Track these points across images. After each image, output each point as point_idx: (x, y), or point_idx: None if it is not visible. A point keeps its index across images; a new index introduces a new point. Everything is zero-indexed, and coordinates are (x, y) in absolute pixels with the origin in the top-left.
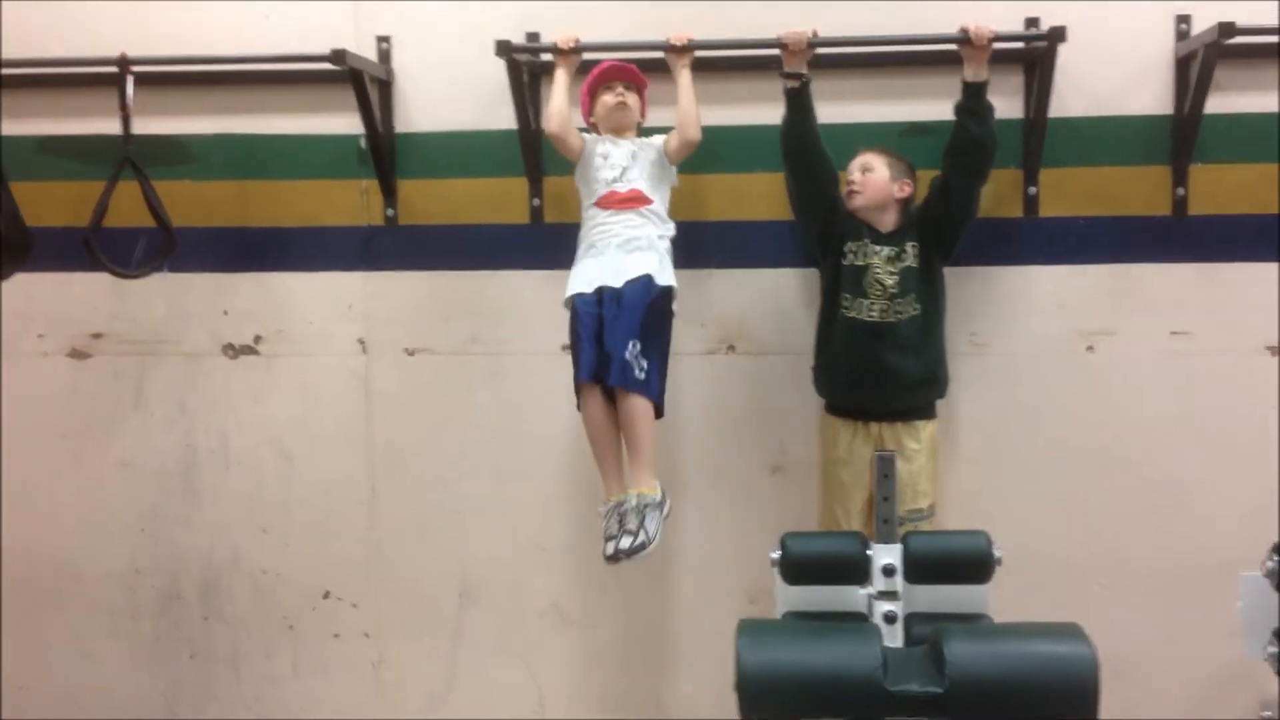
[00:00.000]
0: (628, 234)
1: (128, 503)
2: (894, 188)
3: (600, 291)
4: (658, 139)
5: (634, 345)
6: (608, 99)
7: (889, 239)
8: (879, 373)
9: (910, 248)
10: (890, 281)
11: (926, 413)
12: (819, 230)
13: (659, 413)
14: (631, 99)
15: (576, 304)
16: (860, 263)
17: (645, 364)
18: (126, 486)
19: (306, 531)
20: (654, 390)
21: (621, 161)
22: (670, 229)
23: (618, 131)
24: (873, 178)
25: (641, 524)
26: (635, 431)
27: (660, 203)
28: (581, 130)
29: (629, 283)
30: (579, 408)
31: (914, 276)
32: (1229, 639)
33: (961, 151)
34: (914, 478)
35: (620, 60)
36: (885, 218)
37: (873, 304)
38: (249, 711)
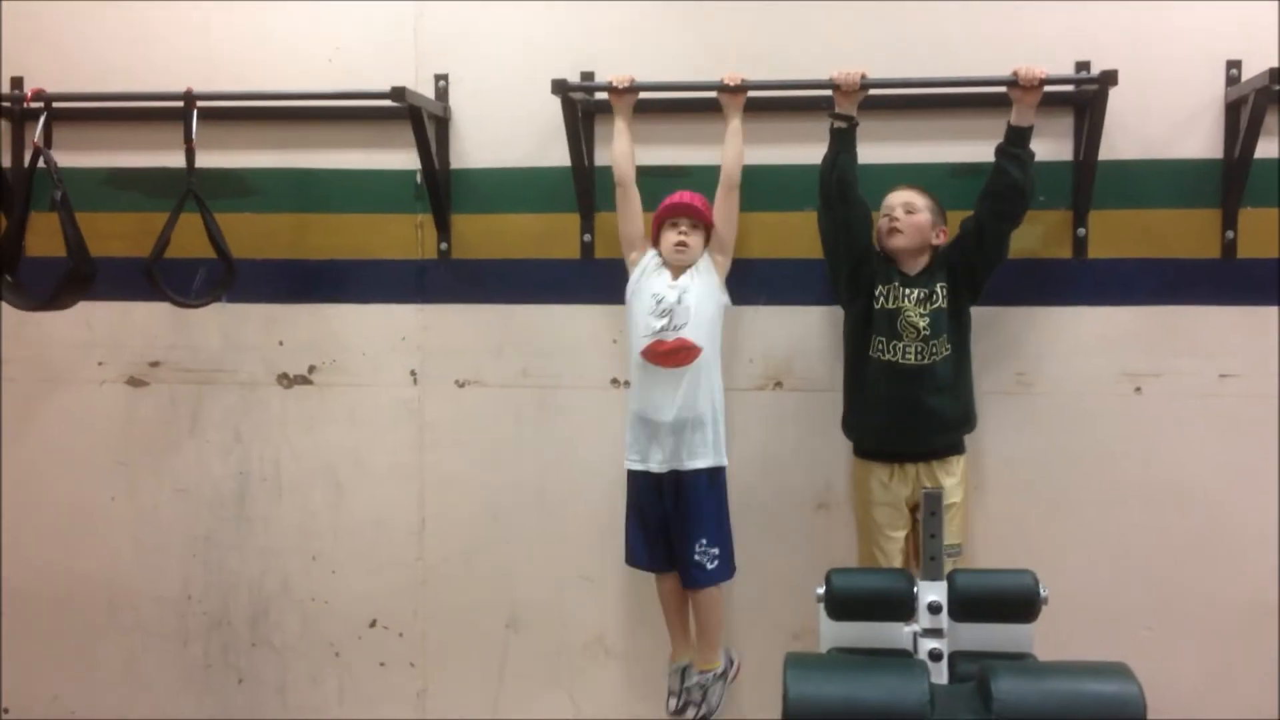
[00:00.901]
0: (684, 412)
1: (181, 529)
2: (933, 233)
3: (658, 479)
4: (705, 257)
5: (701, 543)
6: (670, 236)
7: (918, 281)
8: (918, 415)
9: (940, 289)
10: (923, 324)
11: (958, 449)
12: (849, 271)
13: (733, 570)
14: (695, 238)
15: (638, 486)
16: (891, 306)
17: (715, 552)
18: (180, 513)
19: (355, 560)
20: (724, 572)
21: (670, 306)
22: (720, 379)
23: (677, 268)
24: (916, 220)
25: (704, 697)
26: (706, 619)
27: (711, 351)
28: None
29: (690, 475)
30: (628, 563)
31: (944, 317)
32: (1274, 684)
33: (998, 196)
34: (949, 514)
35: (688, 194)
36: (916, 260)
37: (908, 346)
38: None
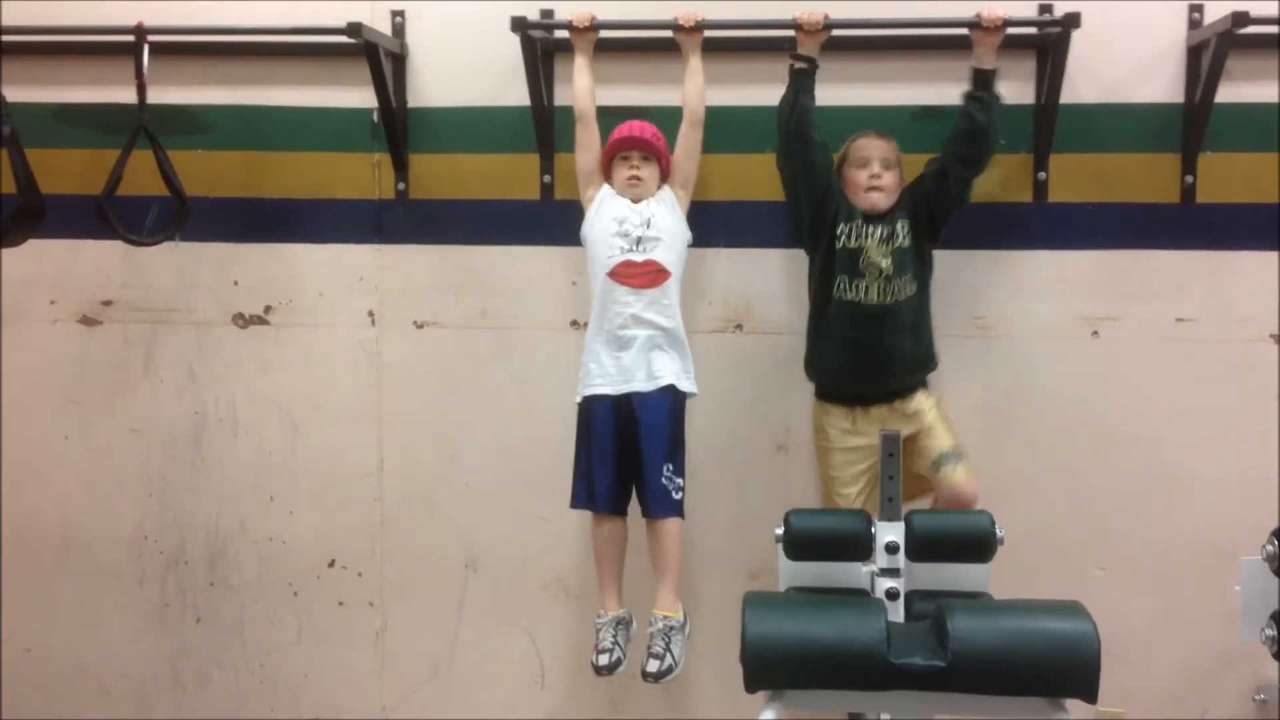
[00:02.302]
0: (650, 325)
1: (136, 469)
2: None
3: (619, 402)
4: (667, 188)
5: (668, 469)
6: (622, 171)
7: (882, 219)
8: (880, 356)
9: (901, 227)
10: (885, 263)
11: (919, 386)
12: (811, 212)
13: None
14: (648, 170)
15: (594, 413)
16: (854, 245)
17: (680, 482)
18: (135, 453)
19: (313, 500)
20: (682, 505)
21: (637, 228)
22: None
23: (636, 198)
24: (892, 176)
25: (668, 647)
26: (668, 554)
27: (677, 276)
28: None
29: (656, 394)
30: (573, 506)
31: (907, 256)
32: (1226, 623)
33: (964, 140)
34: (930, 430)
35: (636, 126)
36: None
37: (870, 285)
38: (253, 677)
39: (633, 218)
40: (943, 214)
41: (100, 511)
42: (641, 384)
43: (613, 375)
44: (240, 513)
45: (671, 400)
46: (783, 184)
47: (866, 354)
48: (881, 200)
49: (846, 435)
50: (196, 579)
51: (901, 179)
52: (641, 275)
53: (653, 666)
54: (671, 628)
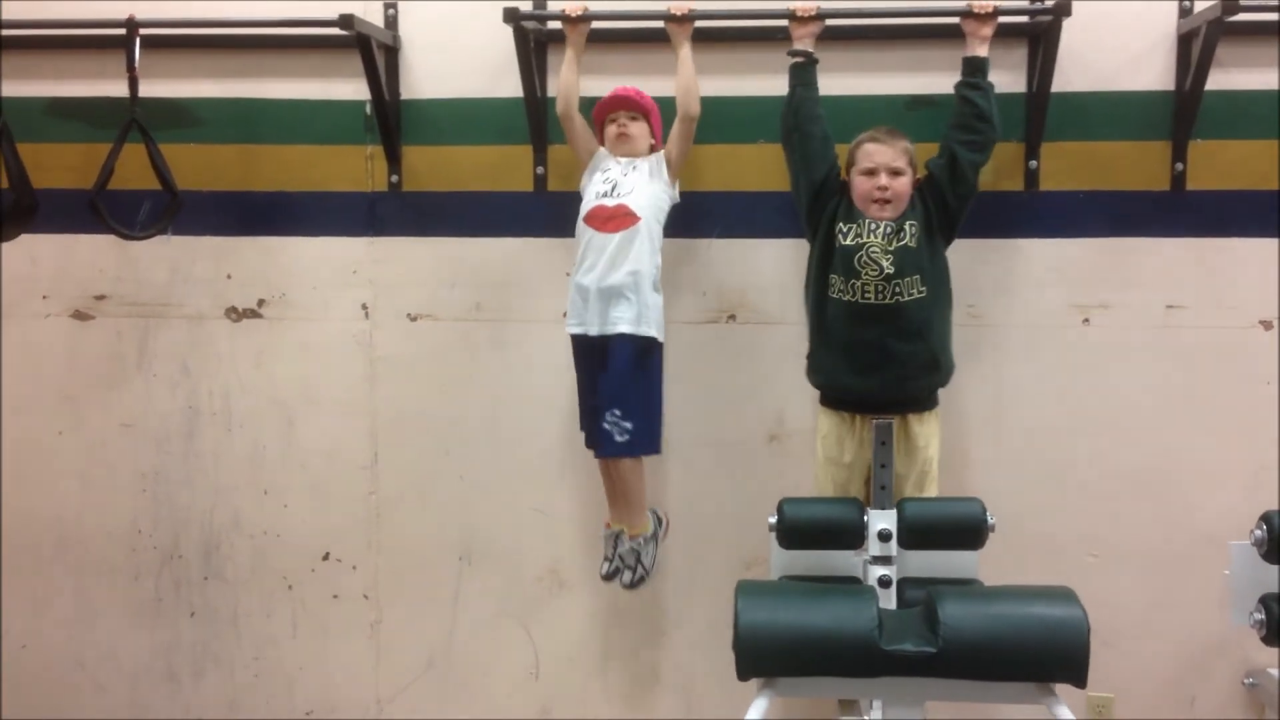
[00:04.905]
0: (610, 275)
1: (130, 464)
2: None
3: (594, 343)
4: (660, 153)
5: (613, 413)
6: (610, 130)
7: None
8: (881, 359)
9: (910, 226)
10: (886, 262)
11: (929, 403)
12: (809, 203)
13: (655, 448)
14: (636, 128)
15: (578, 349)
16: (851, 243)
17: (628, 425)
18: (128, 447)
19: (307, 494)
20: (637, 446)
21: (615, 177)
22: (657, 258)
23: (625, 158)
24: (902, 183)
25: (639, 560)
26: (621, 490)
27: (651, 221)
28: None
29: (615, 339)
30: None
31: (913, 257)
32: (1216, 608)
33: (967, 127)
34: (921, 476)
35: (625, 87)
36: None
37: (867, 285)
38: (248, 671)
39: (616, 169)
40: (957, 206)
41: (94, 506)
42: (599, 327)
43: (585, 317)
44: (234, 507)
45: (631, 347)
46: (789, 172)
47: (867, 355)
48: (887, 212)
49: (843, 449)
50: (191, 573)
51: (914, 180)
52: (611, 219)
53: (626, 578)
54: (640, 544)
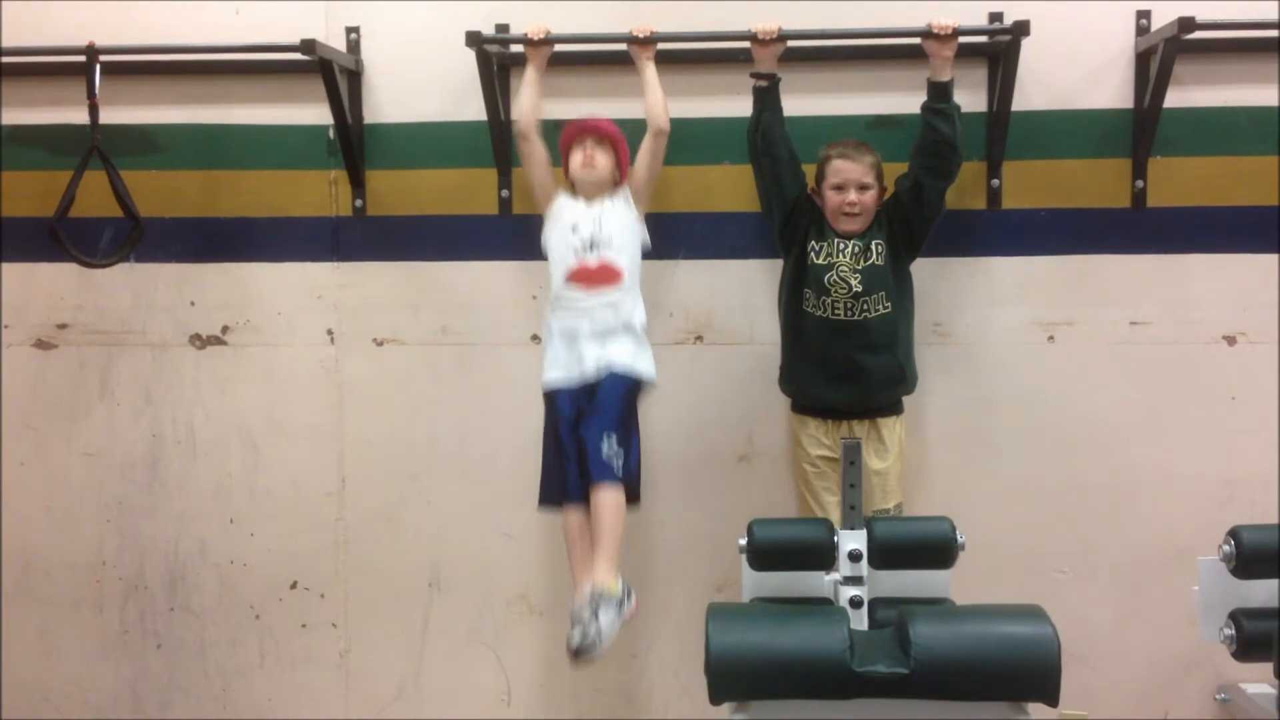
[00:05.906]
0: (603, 320)
1: (93, 494)
2: (879, 200)
3: (578, 394)
4: (624, 188)
5: (612, 438)
6: (576, 157)
7: (857, 237)
8: (849, 371)
9: (875, 246)
10: (854, 280)
11: (895, 410)
12: (780, 223)
13: (636, 497)
14: (602, 156)
15: (558, 405)
16: (823, 261)
17: (624, 455)
18: (92, 477)
19: (274, 522)
20: (633, 479)
21: (589, 230)
22: (640, 308)
23: (590, 194)
24: (870, 197)
25: (595, 616)
26: (606, 523)
27: (632, 274)
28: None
29: (608, 378)
30: (541, 506)
31: (880, 274)
32: (1187, 624)
33: (931, 152)
34: (883, 478)
35: (594, 118)
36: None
37: (837, 303)
38: (216, 702)
39: (586, 219)
40: (922, 227)
41: (57, 537)
42: (595, 372)
43: (571, 367)
44: (200, 536)
45: (624, 383)
46: (758, 194)
47: (837, 367)
48: (856, 224)
49: (823, 446)
50: (156, 604)
51: (882, 193)
52: (595, 277)
53: (574, 637)
54: (603, 598)
